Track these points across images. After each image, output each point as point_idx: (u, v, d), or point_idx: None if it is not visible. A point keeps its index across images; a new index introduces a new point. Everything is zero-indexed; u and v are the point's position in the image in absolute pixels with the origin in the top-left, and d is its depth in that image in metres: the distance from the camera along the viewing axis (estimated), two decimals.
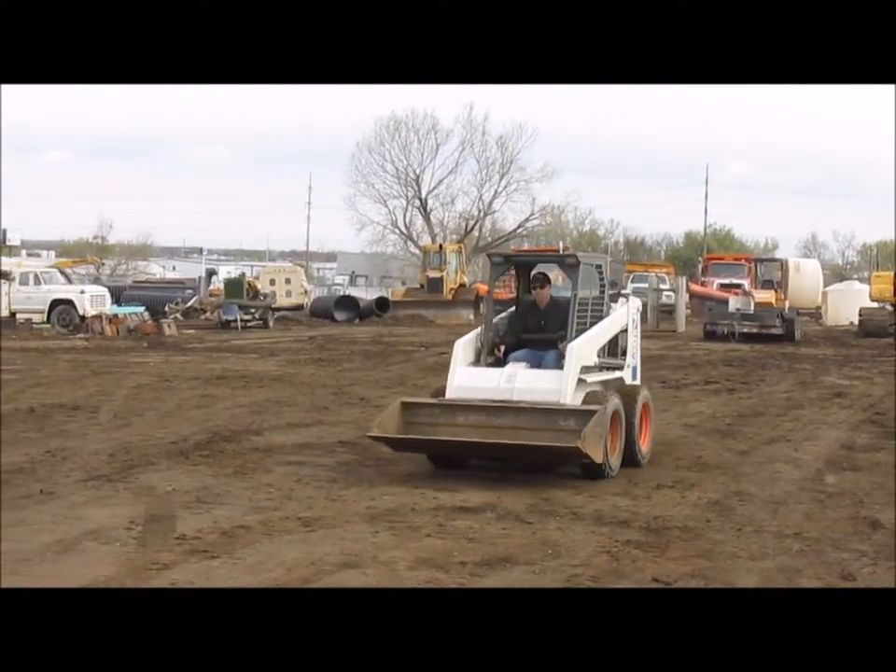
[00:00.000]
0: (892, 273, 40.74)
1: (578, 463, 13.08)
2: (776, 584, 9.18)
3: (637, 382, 15.31)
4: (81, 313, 40.93)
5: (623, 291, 16.07)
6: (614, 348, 14.81)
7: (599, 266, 14.73)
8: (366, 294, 73.22)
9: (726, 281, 43.44)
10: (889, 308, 40.02)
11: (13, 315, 41.04)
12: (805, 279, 48.03)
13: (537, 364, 13.73)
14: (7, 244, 54.89)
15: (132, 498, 11.89)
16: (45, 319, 41.18)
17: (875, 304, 41.48)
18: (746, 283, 42.54)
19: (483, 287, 49.75)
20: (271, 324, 44.13)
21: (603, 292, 14.54)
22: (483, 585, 9.05)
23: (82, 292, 42.61)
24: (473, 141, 74.67)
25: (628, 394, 14.07)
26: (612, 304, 15.03)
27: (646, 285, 46.29)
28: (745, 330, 37.95)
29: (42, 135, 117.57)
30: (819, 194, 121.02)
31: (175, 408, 19.23)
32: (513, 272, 15.18)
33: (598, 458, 12.60)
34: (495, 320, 14.47)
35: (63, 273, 46.74)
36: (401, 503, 11.79)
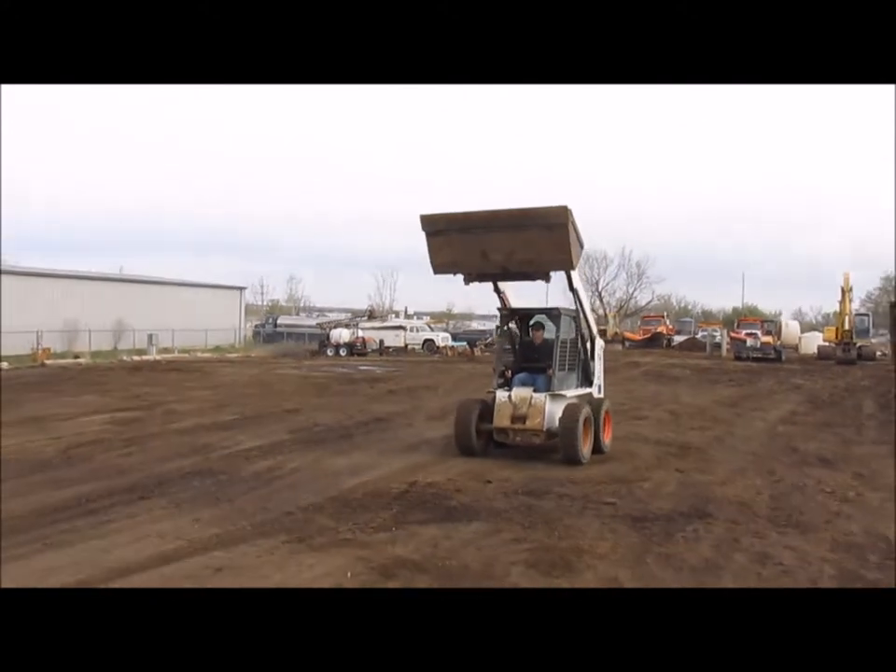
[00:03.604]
0: (833, 329, 40.70)
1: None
2: (732, 473, 9.88)
3: (602, 396, 11.91)
4: (437, 345, 44.09)
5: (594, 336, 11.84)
6: (587, 372, 11.65)
7: (575, 317, 11.24)
8: None
9: (748, 331, 43.01)
10: (832, 345, 39.71)
11: (406, 346, 44.67)
12: (790, 331, 47.38)
13: (531, 383, 10.87)
14: (407, 314, 59.05)
15: (446, 426, 12.70)
16: (421, 348, 44.43)
17: (826, 343, 41.20)
18: (758, 332, 42.08)
19: (628, 334, 50.78)
20: None
21: (577, 335, 11.32)
22: (588, 474, 9.37)
23: (438, 335, 46.19)
24: (624, 264, 75.61)
25: (596, 404, 11.19)
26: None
27: (707, 332, 47.58)
28: (755, 356, 37.86)
29: None
30: (808, 286, 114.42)
31: (474, 389, 19.92)
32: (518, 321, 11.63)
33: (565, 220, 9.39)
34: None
35: (429, 326, 50.47)
36: None
